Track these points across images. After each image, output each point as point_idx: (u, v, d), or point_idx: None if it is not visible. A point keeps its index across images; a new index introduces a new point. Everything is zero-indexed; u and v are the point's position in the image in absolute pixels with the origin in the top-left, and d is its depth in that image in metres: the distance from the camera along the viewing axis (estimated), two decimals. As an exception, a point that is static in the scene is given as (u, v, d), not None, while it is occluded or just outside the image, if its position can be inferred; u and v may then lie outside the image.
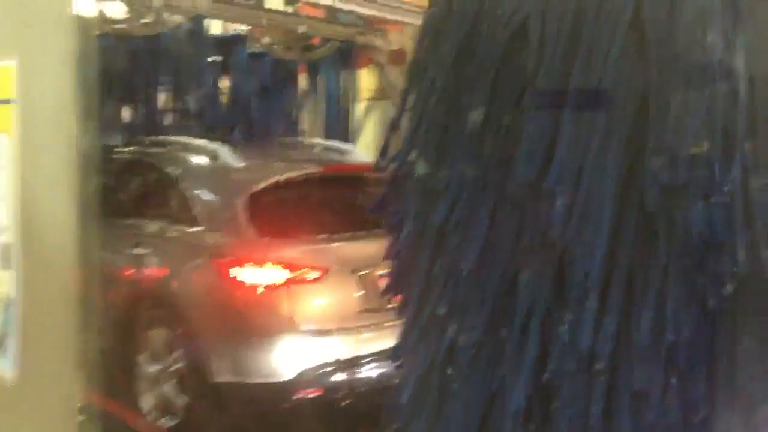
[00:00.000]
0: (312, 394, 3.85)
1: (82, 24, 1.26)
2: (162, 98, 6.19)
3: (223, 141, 4.93)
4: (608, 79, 1.56)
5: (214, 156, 4.24)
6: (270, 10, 7.15)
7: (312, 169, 4.32)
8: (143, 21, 6.47)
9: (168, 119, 6.10)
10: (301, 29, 7.08)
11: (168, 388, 3.98)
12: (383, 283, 4.10)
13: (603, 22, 1.58)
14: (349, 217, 4.16)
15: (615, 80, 1.56)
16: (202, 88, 6.22)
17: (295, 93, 7.28)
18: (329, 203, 4.33)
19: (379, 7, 7.01)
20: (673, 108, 1.49)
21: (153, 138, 5.00)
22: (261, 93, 6.77)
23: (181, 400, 3.92)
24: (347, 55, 7.33)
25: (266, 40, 7.50)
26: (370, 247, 4.00)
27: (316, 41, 7.51)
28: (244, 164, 4.22)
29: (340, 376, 3.91)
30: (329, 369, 3.88)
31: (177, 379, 3.96)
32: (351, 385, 3.90)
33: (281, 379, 3.78)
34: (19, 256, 1.12)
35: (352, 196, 4.34)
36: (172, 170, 4.30)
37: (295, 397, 3.81)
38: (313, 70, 7.36)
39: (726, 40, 1.47)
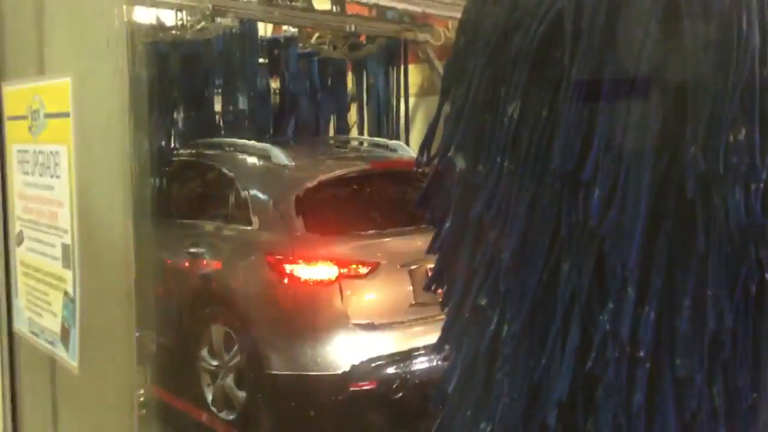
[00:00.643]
0: (365, 386, 3.93)
1: (134, 36, 1.34)
2: (216, 101, 6.36)
3: (274, 141, 5.06)
4: (643, 68, 1.57)
5: (265, 156, 4.36)
6: (318, 11, 7.25)
7: (360, 167, 4.39)
8: (196, 27, 6.67)
9: (222, 121, 6.26)
10: (349, 28, 7.18)
11: (227, 382, 4.12)
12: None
13: (637, 12, 1.58)
14: (398, 212, 4.21)
15: (650, 70, 1.56)
16: (253, 89, 6.37)
17: (344, 91, 7.38)
18: (378, 199, 4.39)
19: (426, 3, 7.03)
20: (710, 95, 1.49)
21: (208, 140, 5.15)
22: (310, 92, 6.88)
23: (239, 394, 4.05)
24: (394, 52, 7.39)
25: (314, 40, 7.62)
26: (419, 242, 4.04)
27: (363, 39, 7.59)
28: (294, 163, 4.31)
29: (392, 369, 3.97)
30: (382, 362, 3.95)
31: (235, 373, 4.09)
32: (403, 378, 3.96)
33: (336, 372, 3.87)
34: (77, 256, 1.21)
35: (400, 191, 4.39)
36: (227, 171, 4.44)
37: (349, 390, 3.89)
38: (360, 67, 7.44)
39: (762, 26, 1.46)
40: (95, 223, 1.18)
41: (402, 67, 7.42)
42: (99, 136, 1.17)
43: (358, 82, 7.48)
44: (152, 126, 4.84)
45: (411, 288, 4.02)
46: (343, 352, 3.90)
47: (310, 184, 4.11)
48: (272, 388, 3.96)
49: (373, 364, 3.93)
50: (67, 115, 1.16)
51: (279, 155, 4.26)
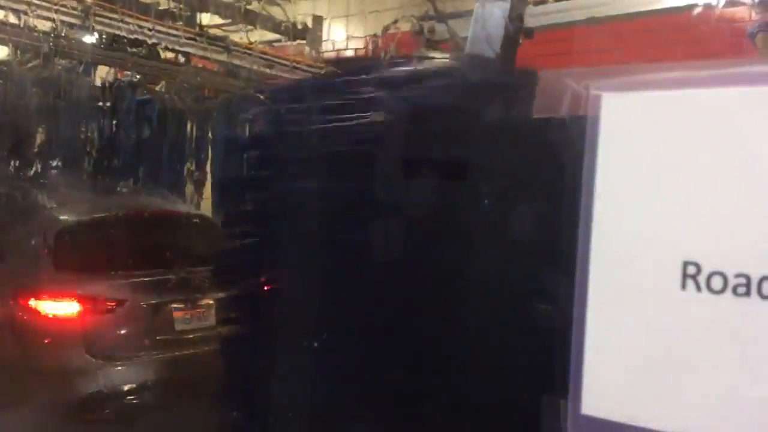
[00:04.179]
0: (102, 417, 4.18)
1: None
2: (39, 139, 6.48)
3: (77, 183, 5.28)
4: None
5: (29, 195, 4.61)
6: (163, 60, 7.56)
7: (118, 212, 4.71)
8: (30, 64, 6.83)
9: (40, 161, 6.35)
10: (195, 80, 7.53)
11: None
12: (178, 316, 4.47)
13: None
14: (150, 255, 4.53)
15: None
16: (79, 131, 6.54)
17: (182, 141, 7.61)
18: (133, 242, 4.67)
19: (272, 65, 7.54)
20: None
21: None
22: (141, 139, 7.09)
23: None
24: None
25: (158, 88, 7.90)
26: (168, 282, 4.41)
27: (208, 93, 7.92)
28: (56, 205, 4.58)
29: (130, 401, 4.23)
30: (120, 394, 4.21)
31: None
32: (141, 410, 4.22)
33: (72, 403, 4.10)
34: None
35: (155, 237, 4.72)
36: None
37: (86, 420, 4.12)
38: (201, 120, 7.72)
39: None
40: None
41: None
42: None
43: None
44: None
45: (155, 325, 4.32)
46: (80, 384, 4.13)
47: (64, 225, 4.38)
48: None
49: (111, 395, 4.18)
50: None
51: (41, 195, 4.52)
